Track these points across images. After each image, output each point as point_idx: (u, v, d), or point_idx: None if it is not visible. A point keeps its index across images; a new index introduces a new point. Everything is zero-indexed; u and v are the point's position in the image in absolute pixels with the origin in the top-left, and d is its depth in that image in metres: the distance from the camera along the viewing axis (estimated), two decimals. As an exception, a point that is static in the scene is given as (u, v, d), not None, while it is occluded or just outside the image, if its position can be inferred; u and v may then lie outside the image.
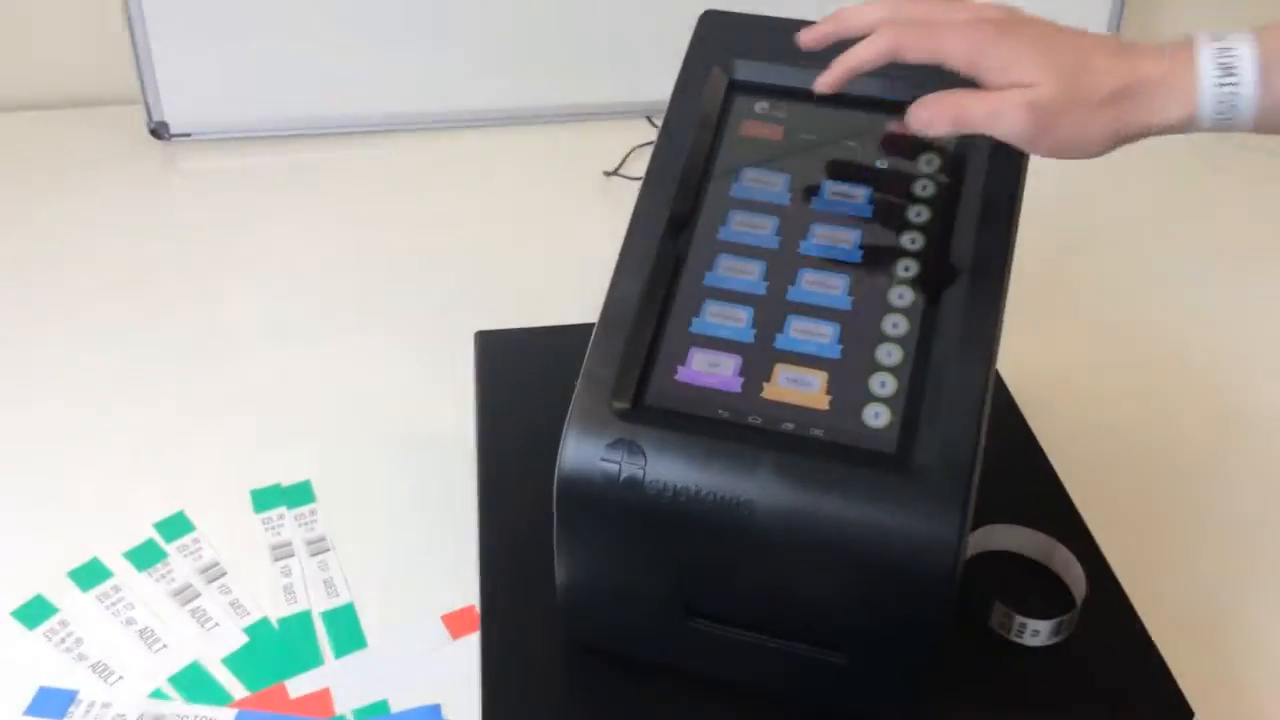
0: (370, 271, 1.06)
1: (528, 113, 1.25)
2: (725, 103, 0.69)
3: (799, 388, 0.60)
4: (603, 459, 0.58)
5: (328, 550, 0.80)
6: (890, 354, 0.60)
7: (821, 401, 0.59)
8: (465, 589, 0.75)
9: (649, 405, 0.60)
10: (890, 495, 0.55)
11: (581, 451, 0.58)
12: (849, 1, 0.62)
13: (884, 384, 0.60)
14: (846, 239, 0.64)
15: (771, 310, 0.62)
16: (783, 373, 0.60)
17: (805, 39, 0.63)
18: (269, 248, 1.09)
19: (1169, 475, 0.86)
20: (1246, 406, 0.93)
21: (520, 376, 0.86)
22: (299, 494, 0.84)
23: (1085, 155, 0.58)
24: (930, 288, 0.62)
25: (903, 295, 0.62)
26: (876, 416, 0.59)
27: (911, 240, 0.63)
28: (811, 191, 0.66)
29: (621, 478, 0.58)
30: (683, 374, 0.61)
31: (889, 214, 0.64)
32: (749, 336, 0.62)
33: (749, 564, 0.59)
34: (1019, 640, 0.68)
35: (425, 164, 1.20)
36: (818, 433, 0.58)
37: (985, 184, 0.63)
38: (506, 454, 0.80)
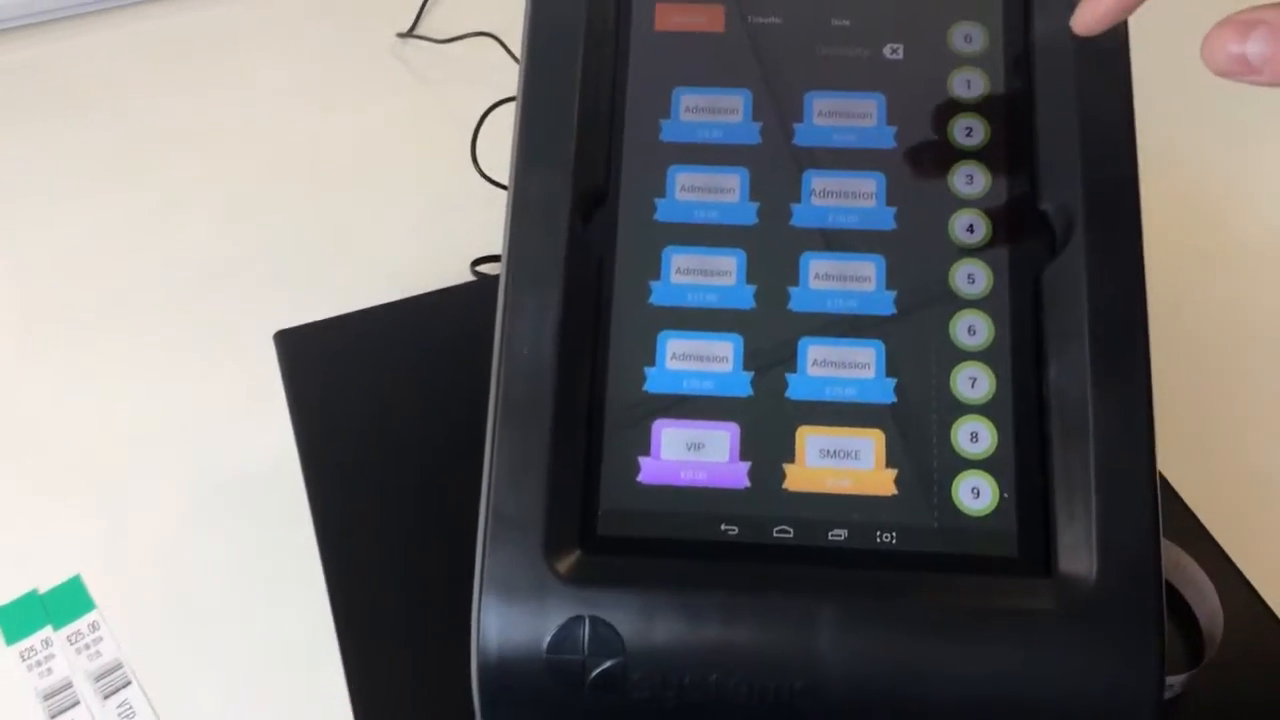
0: (103, 236, 0.79)
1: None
2: None
3: (843, 464, 0.37)
4: (550, 653, 0.35)
5: (127, 684, 0.58)
6: (975, 380, 0.38)
7: (883, 483, 0.37)
8: (334, 694, 0.54)
9: (606, 539, 0.37)
10: (1038, 639, 0.34)
11: (512, 642, 0.35)
12: None
13: (976, 435, 0.37)
14: (864, 190, 0.40)
15: (771, 332, 0.39)
16: (812, 441, 0.37)
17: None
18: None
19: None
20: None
21: (341, 381, 0.62)
22: (68, 601, 0.61)
23: None
24: (1017, 258, 0.39)
25: (973, 277, 0.39)
26: (976, 495, 0.37)
27: (969, 179, 0.40)
28: (791, 115, 0.41)
29: (590, 677, 0.35)
30: (650, 471, 0.37)
31: (924, 138, 0.40)
32: (744, 386, 0.38)
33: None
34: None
35: (137, 58, 0.90)
36: (888, 540, 0.36)
37: (1078, 66, 0.39)
38: (349, 492, 0.58)
